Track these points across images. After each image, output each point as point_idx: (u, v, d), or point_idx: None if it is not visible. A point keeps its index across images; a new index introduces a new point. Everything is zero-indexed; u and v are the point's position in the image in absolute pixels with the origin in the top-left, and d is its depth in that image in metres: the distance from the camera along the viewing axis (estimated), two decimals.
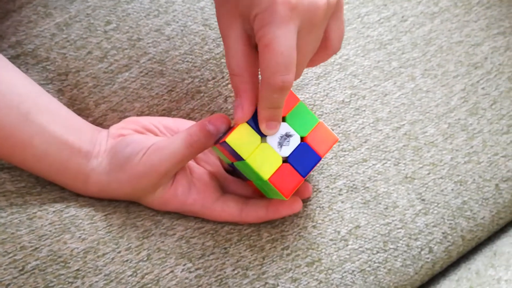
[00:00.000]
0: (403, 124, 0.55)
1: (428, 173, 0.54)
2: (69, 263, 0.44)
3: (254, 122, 0.42)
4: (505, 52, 0.60)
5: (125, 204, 0.47)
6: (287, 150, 0.43)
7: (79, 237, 0.44)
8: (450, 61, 0.58)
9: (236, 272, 0.47)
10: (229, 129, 0.43)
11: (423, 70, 0.57)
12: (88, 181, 0.45)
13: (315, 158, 0.44)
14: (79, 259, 0.44)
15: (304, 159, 0.44)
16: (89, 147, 0.45)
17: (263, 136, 0.42)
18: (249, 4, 0.36)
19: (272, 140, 0.43)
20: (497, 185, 0.56)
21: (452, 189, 0.54)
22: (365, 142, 0.54)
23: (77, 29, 0.50)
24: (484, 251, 0.55)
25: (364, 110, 0.55)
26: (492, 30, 0.60)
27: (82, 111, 0.49)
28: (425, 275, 0.53)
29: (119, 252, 0.44)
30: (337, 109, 0.54)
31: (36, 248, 0.44)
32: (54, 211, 0.45)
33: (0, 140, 0.42)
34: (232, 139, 0.41)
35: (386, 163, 0.54)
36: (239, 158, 0.41)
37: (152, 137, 0.45)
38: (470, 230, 0.55)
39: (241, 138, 0.41)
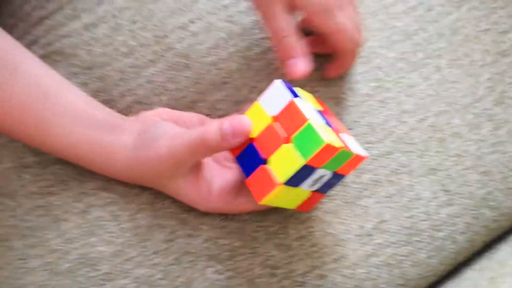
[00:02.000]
0: (428, 116, 0.50)
1: (453, 165, 0.49)
2: (98, 265, 0.40)
3: (290, 181, 0.37)
4: None
5: (150, 199, 0.44)
6: (318, 186, 0.40)
7: (106, 240, 0.40)
8: (477, 50, 0.52)
9: (264, 271, 0.43)
10: (250, 147, 0.39)
11: (449, 60, 0.51)
12: (114, 156, 0.41)
13: (340, 178, 0.41)
14: (107, 262, 0.40)
15: (330, 183, 0.41)
16: (116, 122, 0.42)
17: (296, 186, 0.38)
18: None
19: (305, 184, 0.39)
20: None
21: (477, 180, 0.50)
22: (390, 134, 0.49)
23: (103, 28, 0.46)
24: (507, 240, 0.50)
25: (389, 102, 0.49)
26: None
27: (106, 103, 0.46)
28: (449, 265, 0.50)
29: (147, 255, 0.40)
30: (362, 101, 0.49)
31: (66, 251, 0.40)
32: (77, 213, 0.41)
33: (23, 119, 0.39)
34: (267, 201, 0.38)
35: (410, 155, 0.49)
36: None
37: (180, 128, 0.42)
38: (494, 220, 0.50)
39: (276, 197, 0.38)
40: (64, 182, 0.44)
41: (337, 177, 0.40)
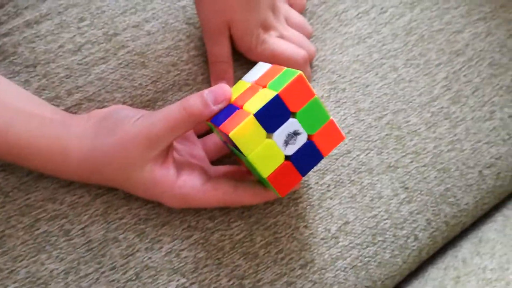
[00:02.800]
0: (386, 114, 0.48)
1: (411, 162, 0.47)
2: (50, 284, 0.35)
3: (262, 117, 0.33)
4: (486, 38, 0.52)
5: (103, 209, 0.39)
6: (292, 149, 0.35)
7: (57, 256, 0.35)
8: (432, 49, 0.50)
9: (231, 282, 0.39)
10: (229, 105, 0.36)
11: (405, 60, 0.49)
12: (67, 150, 0.36)
13: (318, 157, 0.36)
14: (60, 280, 0.35)
15: (306, 158, 0.36)
16: (65, 117, 0.37)
17: (269, 131, 0.34)
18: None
19: (279, 137, 0.34)
20: (480, 171, 0.49)
21: (435, 177, 0.48)
22: (348, 132, 0.47)
23: (48, 25, 0.41)
24: (470, 238, 0.49)
25: (345, 102, 0.47)
26: (472, 16, 0.52)
27: (51, 100, 0.41)
28: (413, 263, 0.48)
29: (103, 272, 0.35)
30: None
31: (12, 270, 0.34)
32: (23, 228, 0.35)
33: None
34: (236, 134, 0.33)
35: (369, 153, 0.46)
36: (240, 151, 0.34)
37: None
38: (454, 216, 0.49)
39: (246, 134, 0.33)
40: (6, 194, 0.38)
41: (313, 151, 0.36)
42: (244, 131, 0.33)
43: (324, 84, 0.48)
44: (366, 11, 0.51)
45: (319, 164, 0.45)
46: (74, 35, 0.41)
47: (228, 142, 0.37)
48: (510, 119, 0.51)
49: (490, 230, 0.49)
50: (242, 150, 0.34)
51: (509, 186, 0.52)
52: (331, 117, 0.36)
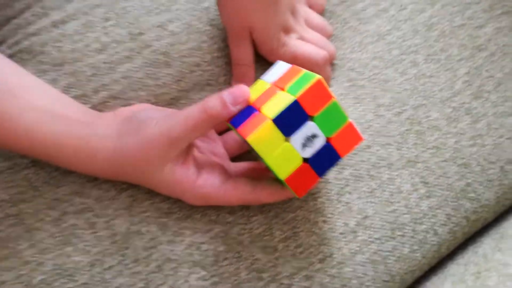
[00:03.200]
0: (406, 109, 0.47)
1: (431, 157, 0.47)
2: (76, 276, 0.35)
3: (280, 121, 0.33)
4: (510, 32, 0.51)
5: (127, 203, 0.39)
6: (309, 152, 0.35)
7: (83, 249, 0.36)
8: (454, 45, 0.49)
9: (251, 275, 0.39)
10: (248, 107, 0.36)
11: (426, 55, 0.48)
12: (93, 151, 0.37)
13: (335, 158, 0.36)
14: (85, 272, 0.36)
15: (324, 159, 0.36)
16: (90, 118, 0.38)
17: (287, 135, 0.34)
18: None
19: (296, 141, 0.34)
20: (502, 167, 0.48)
21: (456, 172, 0.47)
22: (368, 128, 0.46)
23: (74, 25, 0.42)
24: (491, 234, 0.48)
25: (364, 98, 0.47)
26: (495, 10, 0.51)
27: (79, 98, 0.42)
28: (432, 258, 0.47)
29: (127, 264, 0.36)
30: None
31: (40, 262, 0.35)
32: (51, 221, 0.36)
33: None
34: (254, 139, 0.33)
35: (389, 148, 0.46)
36: (258, 155, 0.34)
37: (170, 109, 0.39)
38: (475, 211, 0.48)
39: (264, 138, 0.33)
40: (36, 188, 0.39)
41: (331, 153, 0.36)
42: (262, 136, 0.33)
43: (343, 81, 0.47)
44: (385, 9, 0.50)
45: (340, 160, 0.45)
46: (100, 35, 0.42)
47: (247, 143, 0.37)
48: None
49: (511, 226, 0.47)
50: (259, 154, 0.34)
51: None
52: (349, 119, 0.36)
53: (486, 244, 0.47)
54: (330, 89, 0.34)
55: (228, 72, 0.44)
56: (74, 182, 0.39)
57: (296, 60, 0.43)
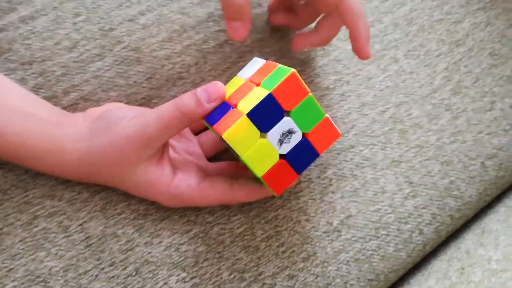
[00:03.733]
0: (389, 108, 0.47)
1: (415, 156, 0.47)
2: (49, 282, 0.34)
3: (255, 116, 0.33)
4: (486, 27, 0.51)
5: (101, 205, 0.38)
6: (286, 148, 0.34)
7: (56, 253, 0.35)
8: (432, 40, 0.49)
9: (232, 276, 0.39)
10: (223, 103, 0.35)
11: (406, 51, 0.49)
12: (63, 152, 0.35)
13: (313, 155, 0.35)
14: (59, 277, 0.34)
15: (302, 156, 0.35)
16: (60, 118, 0.36)
17: (263, 131, 0.33)
18: None
19: (273, 137, 0.34)
20: (482, 162, 0.48)
21: (439, 170, 0.47)
22: (352, 128, 0.46)
23: (43, 21, 0.40)
24: (472, 229, 0.48)
25: (349, 95, 0.46)
26: (472, 6, 0.52)
27: (48, 100, 0.40)
28: (416, 257, 0.48)
29: (103, 268, 0.35)
30: (322, 95, 0.46)
31: (11, 268, 0.34)
32: (21, 225, 0.35)
33: None
34: (229, 135, 0.32)
35: (373, 148, 0.46)
36: (234, 152, 0.33)
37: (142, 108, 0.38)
38: (458, 209, 0.48)
39: (239, 134, 0.33)
40: (4, 192, 0.38)
41: (309, 150, 0.35)
42: (237, 132, 0.32)
43: (329, 73, 0.47)
44: None
45: (321, 159, 0.44)
46: (70, 32, 0.41)
47: (223, 141, 0.36)
48: (511, 109, 0.51)
49: (492, 221, 0.48)
50: (235, 150, 0.33)
51: (510, 176, 0.51)
52: (326, 114, 0.35)
53: (468, 239, 0.47)
54: (304, 83, 0.34)
55: (199, 60, 0.43)
56: (45, 185, 0.38)
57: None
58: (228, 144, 0.33)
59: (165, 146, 0.37)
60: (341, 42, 0.48)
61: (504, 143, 0.50)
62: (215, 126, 0.34)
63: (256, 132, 0.33)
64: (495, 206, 0.51)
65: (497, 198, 0.52)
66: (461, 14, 0.52)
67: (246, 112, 0.32)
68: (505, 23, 0.53)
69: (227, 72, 0.43)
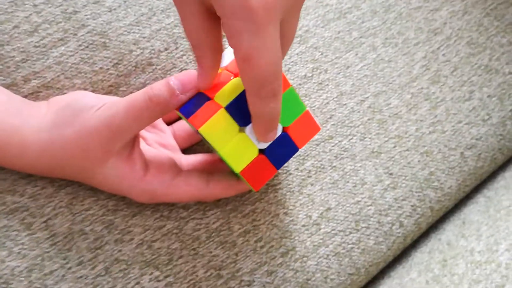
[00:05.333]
0: (367, 97, 0.47)
1: (394, 146, 0.47)
2: (12, 284, 0.33)
3: (233, 109, 0.32)
4: (463, 16, 0.52)
5: (67, 200, 0.37)
6: (265, 143, 0.33)
7: (19, 253, 0.33)
8: (410, 28, 0.50)
9: (209, 273, 0.38)
10: (199, 94, 0.33)
11: (384, 39, 0.49)
12: (24, 143, 0.33)
13: (293, 150, 0.35)
14: (22, 278, 0.33)
15: (281, 150, 0.35)
16: (21, 107, 0.35)
17: (241, 125, 0.33)
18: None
19: (252, 130, 0.33)
20: (462, 153, 0.49)
21: (419, 161, 0.47)
22: (330, 118, 0.46)
23: (0, 3, 0.38)
24: (452, 220, 0.49)
25: (327, 84, 0.46)
26: None
27: (7, 87, 0.38)
28: (397, 249, 0.48)
29: (70, 268, 0.33)
30: (300, 84, 0.45)
31: None
32: None
33: None
34: (206, 129, 0.32)
35: (352, 138, 0.46)
36: (211, 147, 0.31)
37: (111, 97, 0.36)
38: (438, 200, 0.48)
39: (217, 128, 0.32)
40: None
41: (288, 144, 0.35)
42: (215, 125, 0.32)
43: (307, 61, 0.46)
44: None
45: (299, 150, 0.44)
46: (30, 14, 0.39)
47: (199, 134, 0.36)
48: (489, 98, 0.52)
49: (472, 212, 0.49)
50: (213, 145, 0.32)
51: (489, 166, 0.52)
52: (307, 108, 0.35)
53: (449, 231, 0.48)
54: (285, 76, 0.33)
55: (169, 45, 0.42)
56: (5, 180, 0.36)
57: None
58: (205, 138, 0.33)
59: (136, 139, 0.35)
60: (319, 29, 0.48)
61: (482, 133, 0.51)
62: (190, 118, 0.33)
63: (235, 126, 0.32)
64: (474, 197, 0.52)
65: (476, 189, 0.53)
66: (438, 2, 0.52)
67: (225, 105, 0.32)
68: (482, 11, 0.54)
69: None
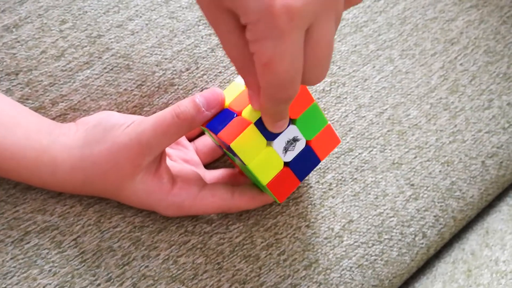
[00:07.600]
0: (386, 109, 0.48)
1: (415, 157, 0.47)
2: None
3: (262, 124, 0.34)
4: (479, 25, 0.52)
5: (95, 218, 0.38)
6: (290, 155, 0.36)
7: (50, 270, 0.34)
8: (427, 39, 0.50)
9: (233, 287, 0.38)
10: (224, 110, 0.35)
11: (401, 50, 0.50)
12: (56, 162, 0.35)
13: (315, 162, 0.37)
14: None
15: (304, 163, 0.37)
16: (51, 128, 0.36)
17: (269, 139, 0.35)
18: (235, 7, 0.27)
19: (278, 144, 0.35)
20: (483, 162, 0.49)
21: (440, 171, 0.48)
22: (350, 130, 0.46)
23: (28, 30, 0.41)
24: (475, 229, 0.49)
25: (346, 98, 0.47)
26: (464, 3, 0.53)
27: (35, 111, 0.40)
28: (420, 260, 0.48)
29: (99, 284, 0.35)
30: (319, 98, 0.46)
31: None
32: (12, 242, 0.35)
33: None
34: (237, 144, 0.33)
35: (372, 150, 0.46)
36: (241, 160, 0.34)
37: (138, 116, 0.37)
38: (461, 210, 0.48)
39: (247, 143, 0.34)
40: None
41: (311, 156, 0.37)
42: (245, 140, 0.33)
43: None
44: None
45: (320, 163, 0.45)
46: (57, 39, 0.41)
47: (224, 147, 0.37)
48: (509, 106, 0.52)
49: (496, 221, 0.49)
50: (242, 159, 0.34)
51: (511, 175, 0.52)
52: (328, 122, 0.37)
53: (472, 240, 0.48)
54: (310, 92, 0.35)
55: (190, 66, 0.43)
56: (35, 199, 0.38)
57: None
58: (234, 153, 0.34)
59: (162, 154, 0.37)
60: (335, 43, 0.49)
61: (503, 141, 0.51)
62: (220, 134, 0.34)
63: (263, 140, 0.34)
64: (497, 205, 0.52)
65: (499, 197, 0.53)
66: (454, 12, 0.53)
67: (254, 120, 0.33)
68: (498, 19, 0.54)
69: (220, 77, 0.44)
